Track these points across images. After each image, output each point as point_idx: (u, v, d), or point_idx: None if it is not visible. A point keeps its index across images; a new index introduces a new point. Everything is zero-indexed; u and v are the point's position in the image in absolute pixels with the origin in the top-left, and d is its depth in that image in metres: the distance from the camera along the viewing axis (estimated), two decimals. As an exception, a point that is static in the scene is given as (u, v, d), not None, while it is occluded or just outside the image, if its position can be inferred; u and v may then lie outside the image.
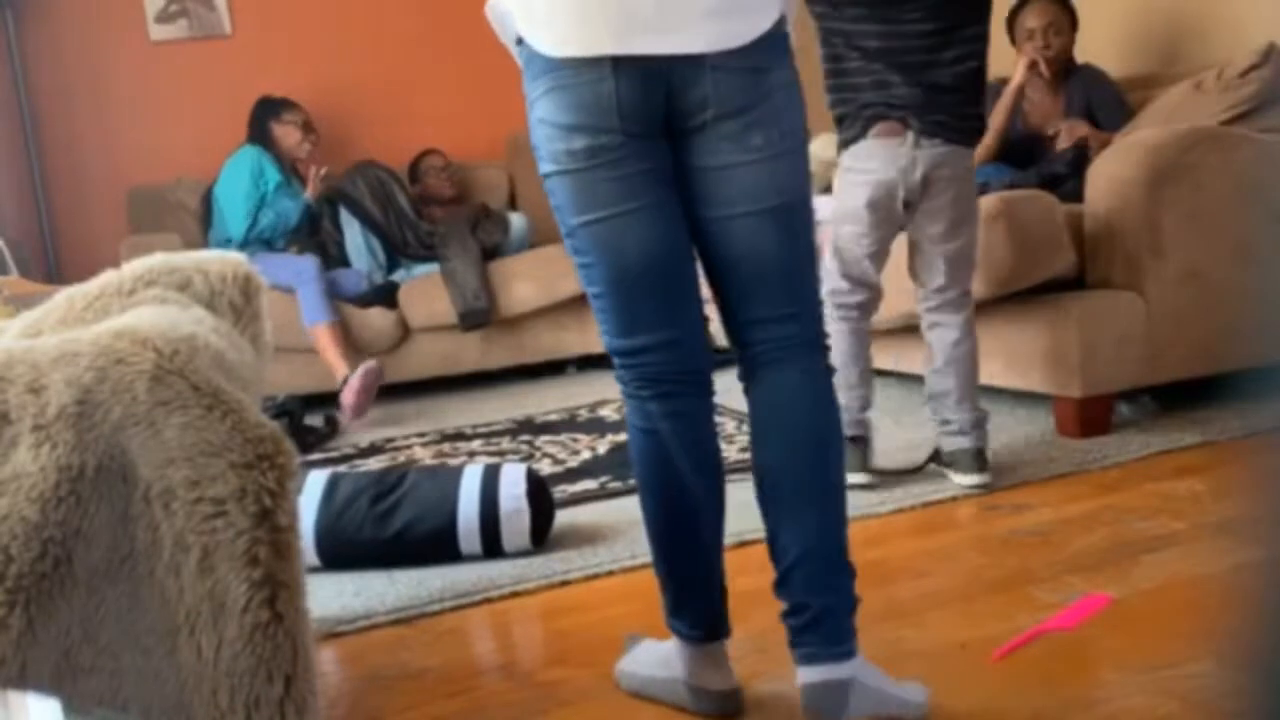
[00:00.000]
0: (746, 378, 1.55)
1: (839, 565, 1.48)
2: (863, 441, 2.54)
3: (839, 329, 2.50)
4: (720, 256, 1.49)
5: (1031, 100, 3.35)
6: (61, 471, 1.06)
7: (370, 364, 3.81)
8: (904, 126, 2.35)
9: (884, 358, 3.38)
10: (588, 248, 1.46)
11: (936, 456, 2.62)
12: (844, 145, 2.45)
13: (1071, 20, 3.29)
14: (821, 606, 1.45)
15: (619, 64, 1.37)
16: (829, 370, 1.54)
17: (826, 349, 1.54)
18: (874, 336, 3.30)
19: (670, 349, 1.49)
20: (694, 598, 1.57)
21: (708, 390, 1.56)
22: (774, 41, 1.43)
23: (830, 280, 2.50)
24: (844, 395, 2.38)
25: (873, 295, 2.53)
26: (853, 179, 2.43)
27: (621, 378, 1.53)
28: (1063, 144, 3.15)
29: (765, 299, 1.49)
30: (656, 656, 1.64)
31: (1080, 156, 3.10)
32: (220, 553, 1.11)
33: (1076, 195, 2.90)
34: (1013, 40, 3.35)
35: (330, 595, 2.18)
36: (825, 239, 2.50)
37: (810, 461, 1.48)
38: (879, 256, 2.50)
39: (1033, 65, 3.21)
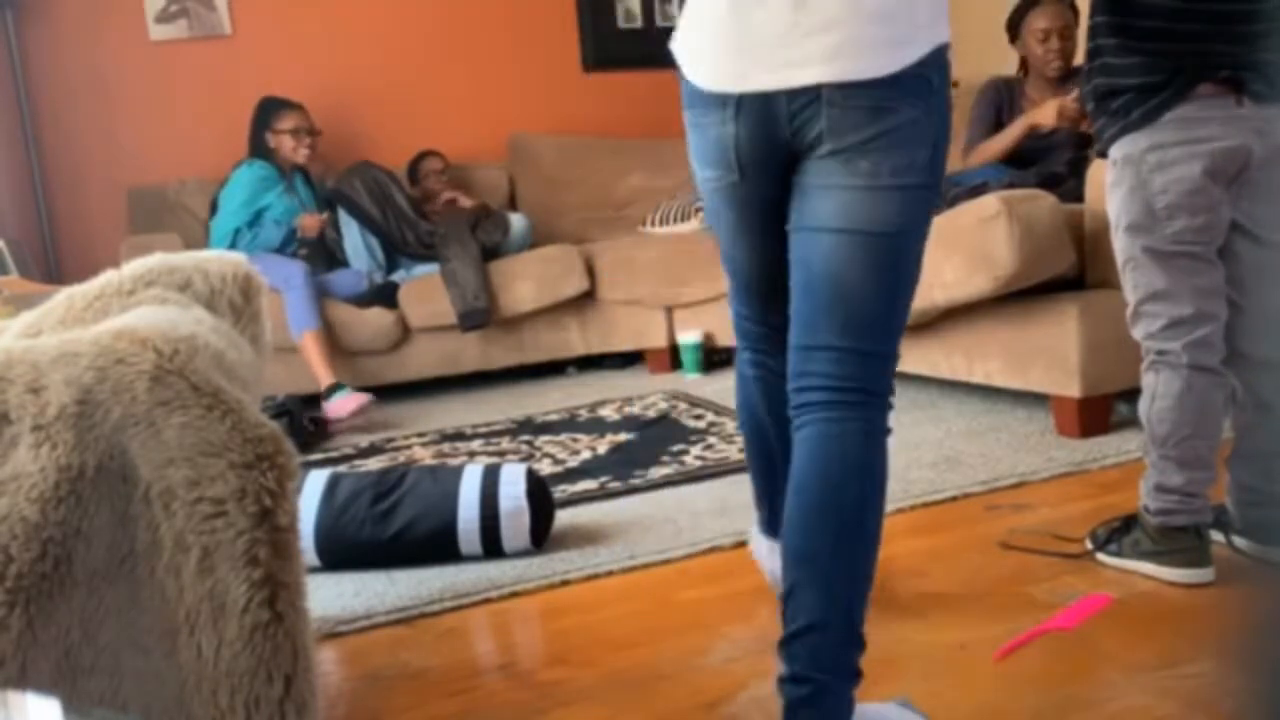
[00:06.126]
0: (796, 418, 1.49)
1: (850, 639, 1.41)
2: (1198, 531, 1.90)
3: (1183, 380, 1.87)
4: (801, 272, 1.49)
5: (1032, 101, 3.34)
6: (61, 471, 1.06)
7: (367, 400, 3.82)
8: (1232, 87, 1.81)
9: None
10: (719, 241, 1.70)
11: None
12: (1149, 120, 1.85)
13: (1077, 22, 3.30)
14: (823, 684, 1.38)
15: (742, 103, 1.45)
16: (886, 431, 1.46)
17: (890, 405, 1.47)
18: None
19: (763, 324, 1.75)
20: (767, 503, 1.91)
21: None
22: (909, 81, 1.40)
23: (1164, 309, 1.90)
24: (1178, 475, 1.88)
25: (1220, 324, 1.89)
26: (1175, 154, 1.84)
27: (734, 326, 1.83)
28: (1056, 120, 3.12)
29: (832, 326, 1.45)
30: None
31: (1080, 157, 3.10)
32: (220, 553, 1.11)
33: (1076, 195, 2.90)
34: (1013, 40, 3.35)
35: (330, 595, 2.17)
36: (1124, 265, 1.97)
37: (845, 532, 1.42)
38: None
39: (1061, 114, 3.16)
